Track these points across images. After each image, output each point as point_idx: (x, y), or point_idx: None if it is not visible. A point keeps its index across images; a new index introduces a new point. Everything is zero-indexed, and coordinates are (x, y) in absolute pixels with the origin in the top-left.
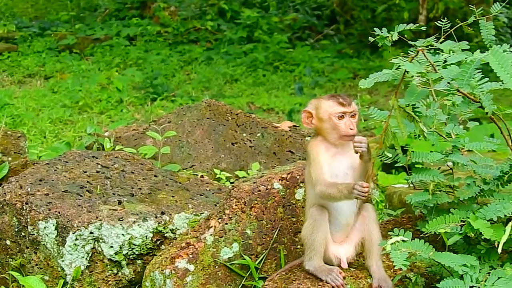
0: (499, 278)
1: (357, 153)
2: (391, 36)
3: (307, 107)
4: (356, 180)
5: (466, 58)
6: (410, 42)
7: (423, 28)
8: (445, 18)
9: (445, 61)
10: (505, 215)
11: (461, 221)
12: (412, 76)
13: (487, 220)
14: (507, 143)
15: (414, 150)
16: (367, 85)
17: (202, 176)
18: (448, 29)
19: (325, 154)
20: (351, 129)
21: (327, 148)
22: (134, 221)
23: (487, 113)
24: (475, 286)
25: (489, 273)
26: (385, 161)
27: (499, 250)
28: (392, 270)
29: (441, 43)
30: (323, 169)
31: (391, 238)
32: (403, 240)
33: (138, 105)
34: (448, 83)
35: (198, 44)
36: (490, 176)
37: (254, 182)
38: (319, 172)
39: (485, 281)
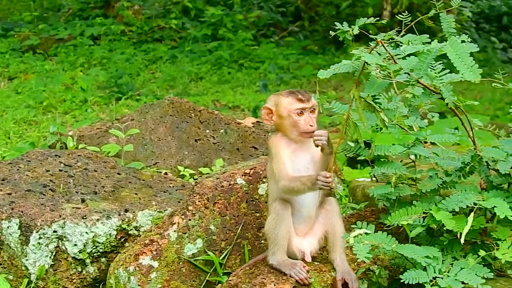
0: (462, 268)
1: (317, 146)
2: (352, 30)
3: (267, 103)
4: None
5: (423, 48)
6: (371, 36)
7: (385, 22)
8: (409, 13)
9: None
10: (467, 206)
11: (424, 213)
12: (371, 67)
13: (449, 212)
14: (468, 135)
15: (377, 144)
16: (326, 76)
17: (165, 174)
18: (409, 23)
19: (286, 149)
20: (310, 125)
21: (287, 144)
22: (98, 219)
23: (447, 104)
24: (438, 277)
25: (452, 264)
26: (347, 155)
27: (462, 241)
28: (356, 263)
29: (402, 36)
30: (285, 164)
31: (354, 231)
32: (366, 233)
33: (103, 105)
34: (408, 74)
35: (163, 42)
36: (452, 168)
37: (217, 178)
38: (282, 167)
39: (448, 272)
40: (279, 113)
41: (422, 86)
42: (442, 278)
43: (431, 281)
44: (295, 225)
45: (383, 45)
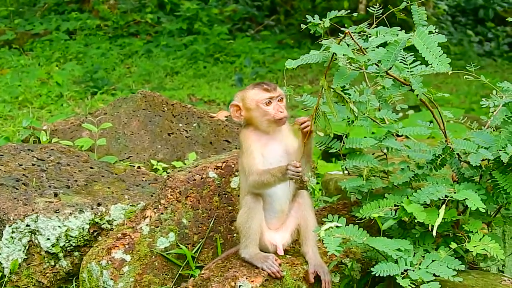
0: (433, 261)
1: (308, 132)
2: (323, 23)
3: (234, 100)
4: None
5: (391, 39)
6: (342, 29)
7: (357, 15)
8: (385, 7)
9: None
10: (438, 199)
11: (395, 205)
12: (340, 58)
13: (421, 204)
14: (439, 126)
15: (348, 136)
16: (293, 65)
17: (138, 167)
18: (380, 15)
19: (257, 143)
20: (280, 112)
21: (258, 137)
22: (71, 213)
23: (417, 95)
24: (410, 270)
25: (423, 256)
26: (320, 147)
27: (434, 234)
28: (328, 256)
29: (373, 29)
30: (255, 160)
31: (325, 224)
32: (337, 226)
33: (78, 99)
34: (376, 65)
35: (138, 37)
36: (423, 161)
37: (189, 172)
38: (252, 162)
39: (419, 265)
40: (246, 106)
41: (392, 77)
42: (413, 270)
43: (402, 273)
44: (267, 219)
45: (351, 36)
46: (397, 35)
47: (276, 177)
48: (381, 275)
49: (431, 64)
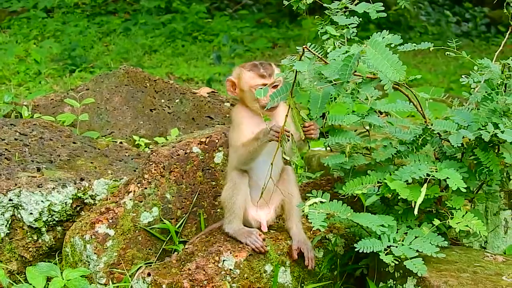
0: (416, 237)
1: (310, 139)
2: (306, 0)
3: (231, 75)
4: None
5: (344, 54)
6: (325, 5)
7: None
8: None
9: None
10: (420, 177)
11: (378, 182)
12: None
13: (404, 181)
14: (417, 109)
15: (331, 113)
16: (264, 95)
17: (121, 143)
18: None
19: (249, 120)
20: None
21: (251, 116)
22: (54, 188)
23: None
24: (393, 246)
25: (406, 233)
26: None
27: (415, 211)
28: (311, 232)
29: (355, 5)
30: (246, 136)
31: (309, 199)
32: (321, 202)
33: (56, 77)
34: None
35: (116, 15)
36: (406, 139)
37: (173, 147)
38: (241, 138)
39: (403, 241)
40: (241, 86)
41: (359, 76)
42: (396, 247)
43: (385, 249)
44: (252, 196)
45: (310, 50)
46: (382, 11)
47: (260, 141)
48: (364, 251)
49: (386, 74)
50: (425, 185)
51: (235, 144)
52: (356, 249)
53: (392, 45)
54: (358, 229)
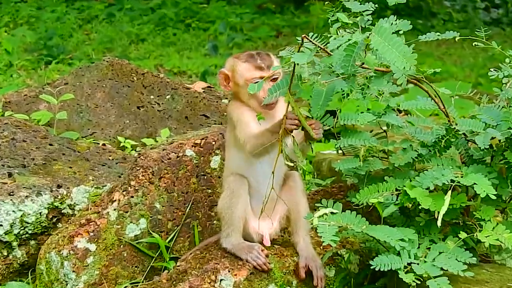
0: (440, 253)
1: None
2: None
3: (224, 67)
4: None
5: (347, 42)
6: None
7: None
8: None
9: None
10: (443, 183)
11: (397, 190)
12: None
13: (425, 189)
14: (438, 106)
15: (343, 111)
16: (256, 90)
17: (104, 145)
18: None
19: (249, 113)
20: None
21: (250, 110)
22: (27, 196)
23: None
24: (414, 263)
25: (429, 248)
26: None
27: (439, 223)
28: (321, 247)
29: None
30: (252, 127)
31: (318, 210)
32: (332, 213)
33: (30, 70)
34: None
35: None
36: (428, 141)
37: (164, 149)
38: (248, 130)
39: (425, 257)
40: (235, 80)
41: (367, 69)
42: (418, 264)
43: (405, 267)
44: (253, 205)
45: (310, 40)
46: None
47: (275, 131)
48: (381, 269)
49: (394, 63)
50: (450, 192)
51: (243, 139)
52: (372, 267)
53: (401, 32)
54: (374, 243)
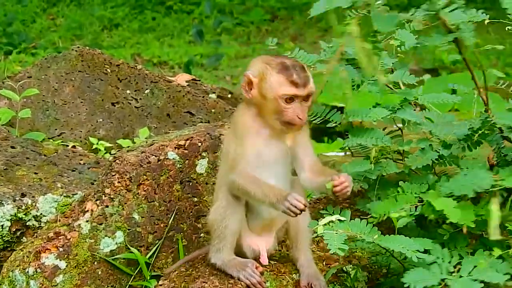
0: (475, 266)
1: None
2: None
3: (250, 69)
4: (286, 172)
5: None
6: None
7: None
8: None
9: None
10: (484, 190)
11: (419, 200)
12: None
13: (456, 197)
14: (478, 91)
15: (352, 106)
16: (320, 12)
17: (73, 147)
18: None
19: (255, 135)
20: (300, 118)
21: (259, 127)
22: None
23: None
24: (448, 279)
25: (459, 262)
26: (315, 121)
27: (494, 237)
28: (324, 262)
29: None
30: (247, 155)
31: (323, 218)
32: (339, 220)
33: None
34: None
35: None
36: (451, 138)
37: (142, 152)
38: (241, 156)
39: (458, 271)
40: (262, 91)
41: (442, 21)
42: (451, 279)
43: (439, 283)
44: (250, 220)
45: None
46: None
47: (268, 199)
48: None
49: None
50: (495, 200)
51: (232, 161)
52: (405, 285)
53: None
54: (385, 258)
